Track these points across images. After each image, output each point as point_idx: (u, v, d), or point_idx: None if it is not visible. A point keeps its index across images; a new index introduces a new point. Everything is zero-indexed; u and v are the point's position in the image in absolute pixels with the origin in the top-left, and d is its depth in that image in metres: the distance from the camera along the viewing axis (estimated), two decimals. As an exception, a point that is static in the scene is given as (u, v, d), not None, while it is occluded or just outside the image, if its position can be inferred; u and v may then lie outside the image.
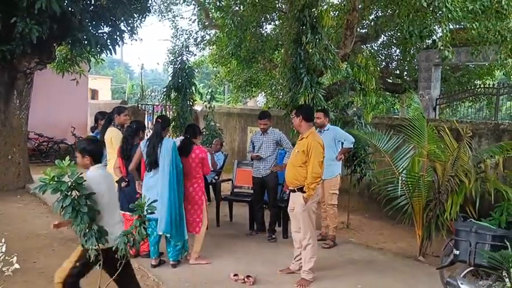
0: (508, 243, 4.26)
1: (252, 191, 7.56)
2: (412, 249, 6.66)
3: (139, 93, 20.55)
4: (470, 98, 14.08)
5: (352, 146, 7.06)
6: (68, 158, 3.63)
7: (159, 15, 17.17)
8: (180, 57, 10.30)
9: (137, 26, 10.89)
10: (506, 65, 8.01)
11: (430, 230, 6.25)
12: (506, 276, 4.06)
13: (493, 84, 13.56)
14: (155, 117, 14.38)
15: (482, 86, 13.57)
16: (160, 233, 5.50)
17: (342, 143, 6.94)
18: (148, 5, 11.14)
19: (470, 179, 5.75)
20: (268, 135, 7.03)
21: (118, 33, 10.09)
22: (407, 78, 15.83)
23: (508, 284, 3.83)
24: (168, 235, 5.50)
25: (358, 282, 5.45)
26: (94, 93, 28.13)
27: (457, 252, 4.53)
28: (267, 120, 7.01)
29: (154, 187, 5.46)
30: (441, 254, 5.29)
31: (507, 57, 7.89)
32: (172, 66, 10.54)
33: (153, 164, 5.47)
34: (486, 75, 15.51)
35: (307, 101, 7.48)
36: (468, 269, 4.50)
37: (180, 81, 10.04)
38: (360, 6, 10.88)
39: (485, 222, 5.39)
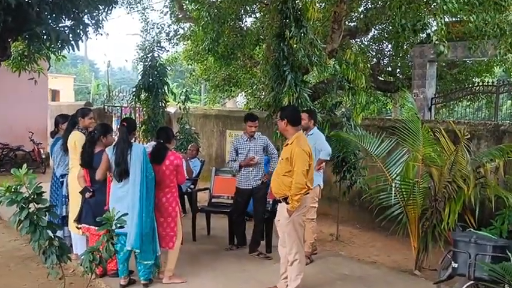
0: (510, 254, 4.33)
1: (231, 201, 7.56)
2: (407, 262, 6.73)
3: (106, 93, 20.37)
4: (468, 97, 14.29)
5: (327, 158, 7.07)
6: (25, 166, 3.58)
7: (127, 7, 17.04)
8: (151, 54, 10.28)
9: (103, 19, 10.76)
10: (506, 60, 8.20)
11: (426, 241, 6.31)
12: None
13: (493, 82, 13.80)
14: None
15: (480, 83, 13.78)
16: (130, 249, 5.44)
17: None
18: (116, -5, 11.06)
19: (469, 184, 5.82)
20: (255, 140, 7.00)
21: (81, 27, 9.94)
22: (400, 76, 16.02)
23: (511, 299, 3.90)
24: (138, 251, 5.45)
25: (349, 299, 5.48)
26: (55, 94, 27.82)
27: (456, 265, 4.60)
28: (257, 122, 7.01)
29: (124, 198, 5.41)
30: (439, 267, 5.35)
31: (507, 52, 8.05)
32: (142, 63, 10.50)
33: (124, 174, 5.42)
34: (485, 72, 15.77)
35: (291, 101, 7.51)
36: (468, 283, 4.56)
37: (151, 80, 10.01)
38: (348, -2, 11.00)
39: (486, 231, 5.48)
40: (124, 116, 14.37)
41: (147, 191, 5.45)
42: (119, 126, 5.83)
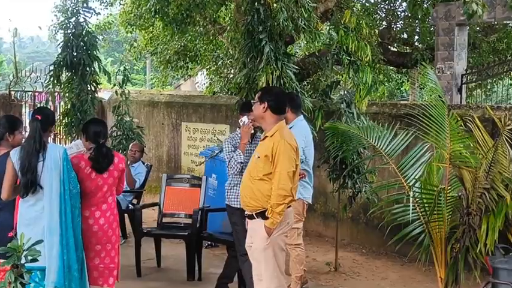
0: None
1: (189, 221, 7.59)
2: (432, 300, 6.83)
3: (13, 73, 20.12)
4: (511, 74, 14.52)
5: (310, 171, 7.15)
6: None
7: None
8: (75, 18, 10.17)
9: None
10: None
11: (457, 269, 6.39)
12: None
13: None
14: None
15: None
16: None
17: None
18: None
19: (513, 192, 5.90)
20: (255, 140, 6.68)
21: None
22: (419, 46, 16.19)
23: None
24: None
25: None
26: None
27: (497, 301, 4.67)
28: None
29: (39, 220, 5.35)
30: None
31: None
32: (62, 31, 10.40)
33: (32, 186, 5.34)
34: (533, 40, 16.05)
35: (270, 82, 7.53)
36: (512, 325, 4.65)
37: (75, 54, 9.92)
38: None
39: (536, 255, 5.58)
40: (39, 105, 14.24)
41: (72, 209, 5.41)
42: (30, 119, 5.76)
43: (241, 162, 6.28)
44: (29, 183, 5.30)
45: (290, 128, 6.72)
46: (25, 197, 5.35)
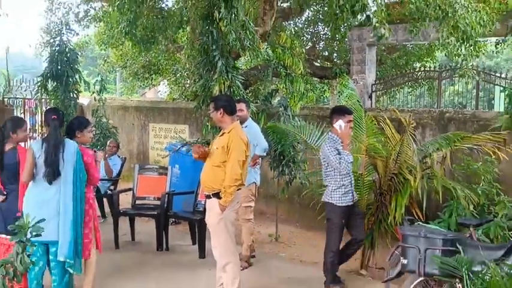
0: (460, 247, 4.59)
1: (158, 202, 7.59)
2: (352, 261, 6.95)
3: (5, 83, 19.54)
4: (410, 83, 14.86)
5: (264, 154, 7.20)
6: None
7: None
8: (59, 37, 9.97)
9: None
10: (448, 44, 8.55)
11: (372, 238, 6.56)
12: (459, 282, 4.38)
13: (434, 67, 14.40)
14: (28, 114, 13.84)
15: (422, 69, 14.36)
16: (62, 260, 5.26)
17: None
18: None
19: (415, 176, 6.06)
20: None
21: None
22: (338, 61, 16.42)
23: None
24: (72, 262, 5.28)
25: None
26: None
27: (405, 262, 4.80)
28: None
29: (51, 202, 5.25)
30: (386, 265, 5.57)
31: (449, 35, 8.43)
32: (49, 48, 10.16)
33: (56, 175, 5.25)
34: (426, 57, 16.46)
35: (222, 90, 7.55)
36: (418, 280, 4.79)
37: (59, 67, 9.71)
38: (280, -25, 11.16)
39: (434, 224, 5.77)
40: (31, 110, 13.93)
41: (80, 194, 5.37)
42: (48, 119, 5.57)
43: (352, 162, 5.95)
44: (53, 173, 5.23)
45: (245, 126, 6.79)
46: (49, 182, 5.25)
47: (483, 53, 16.48)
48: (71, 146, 5.39)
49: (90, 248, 5.65)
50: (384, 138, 6.64)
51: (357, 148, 6.71)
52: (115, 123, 11.45)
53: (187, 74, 14.54)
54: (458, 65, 11.77)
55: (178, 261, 7.04)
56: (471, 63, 11.77)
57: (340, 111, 6.12)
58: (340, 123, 5.89)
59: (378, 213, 6.47)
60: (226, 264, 5.46)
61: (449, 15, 8.13)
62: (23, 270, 3.60)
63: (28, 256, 3.62)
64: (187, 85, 14.70)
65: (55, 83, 9.87)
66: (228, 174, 5.29)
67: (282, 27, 14.14)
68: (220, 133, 5.62)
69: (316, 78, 17.56)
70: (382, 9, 7.48)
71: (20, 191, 5.45)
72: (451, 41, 8.51)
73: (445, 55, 17.32)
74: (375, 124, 6.76)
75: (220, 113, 5.49)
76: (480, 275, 4.28)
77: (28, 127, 7.43)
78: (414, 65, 16.32)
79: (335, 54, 17.07)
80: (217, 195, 5.39)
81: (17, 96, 15.69)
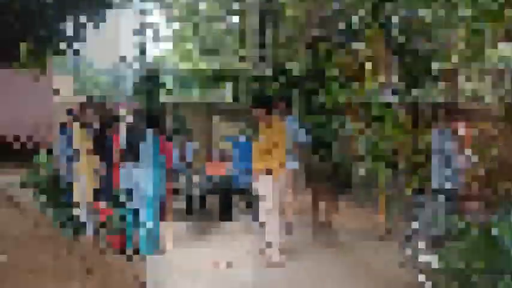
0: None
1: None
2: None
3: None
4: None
5: None
6: (44, 152, 3.92)
7: None
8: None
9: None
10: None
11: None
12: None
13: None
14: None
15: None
16: (145, 221, 5.68)
17: None
18: None
19: None
20: None
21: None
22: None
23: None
24: (152, 224, 5.70)
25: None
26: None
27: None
28: None
29: (136, 177, 5.69)
30: None
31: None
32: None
33: (137, 158, 5.79)
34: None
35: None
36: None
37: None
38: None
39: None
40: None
41: (160, 174, 5.92)
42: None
43: None
44: (134, 155, 5.86)
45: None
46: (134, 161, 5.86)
47: None
48: (149, 136, 5.99)
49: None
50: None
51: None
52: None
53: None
54: None
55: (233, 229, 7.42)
56: None
57: None
58: None
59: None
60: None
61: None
62: (118, 227, 4.16)
63: (123, 218, 4.17)
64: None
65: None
66: None
67: None
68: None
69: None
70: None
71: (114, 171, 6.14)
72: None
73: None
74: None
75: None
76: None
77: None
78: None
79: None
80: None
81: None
